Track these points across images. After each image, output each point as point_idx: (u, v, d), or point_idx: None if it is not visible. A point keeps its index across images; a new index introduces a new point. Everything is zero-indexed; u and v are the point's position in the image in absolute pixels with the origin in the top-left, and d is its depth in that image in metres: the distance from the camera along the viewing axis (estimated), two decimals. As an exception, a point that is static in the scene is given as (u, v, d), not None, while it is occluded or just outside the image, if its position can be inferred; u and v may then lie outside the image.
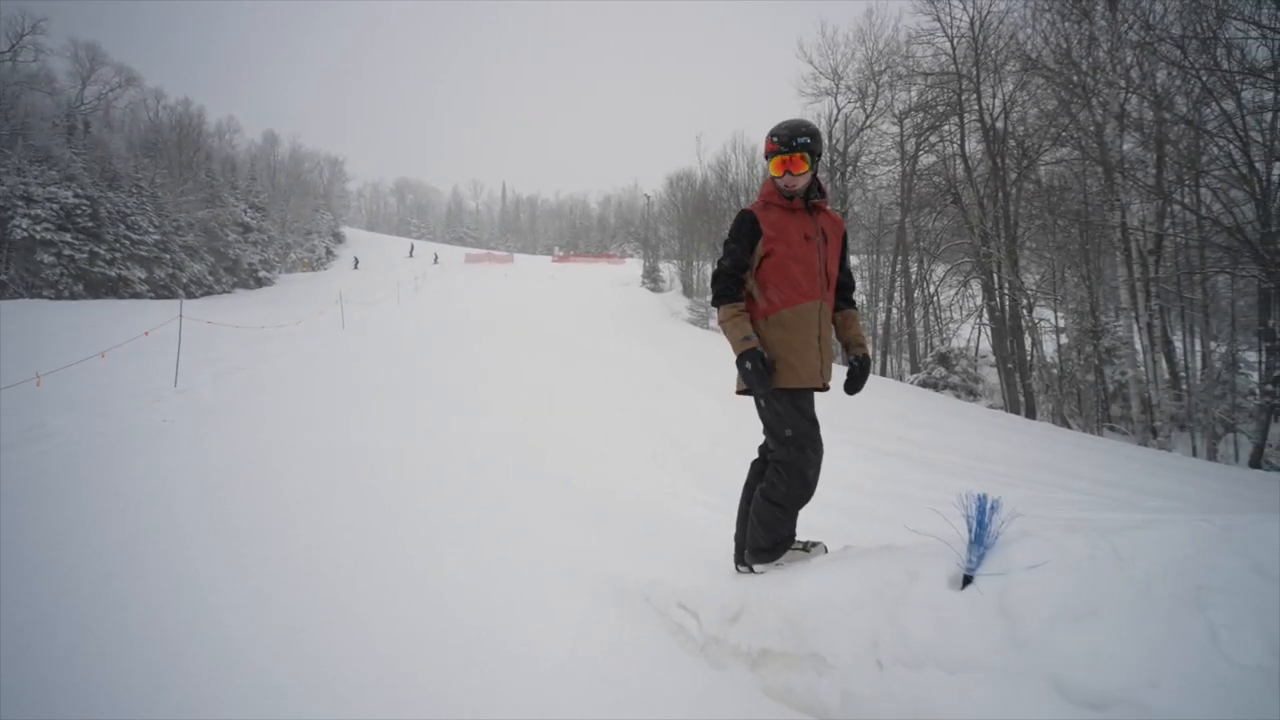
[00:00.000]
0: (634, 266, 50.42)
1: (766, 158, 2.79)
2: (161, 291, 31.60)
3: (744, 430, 3.18)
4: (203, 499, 4.54)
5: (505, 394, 9.62)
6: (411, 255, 57.81)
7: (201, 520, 4.13)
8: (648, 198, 54.10)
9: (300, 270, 49.06)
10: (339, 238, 62.05)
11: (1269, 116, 13.52)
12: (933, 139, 23.23)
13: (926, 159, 23.85)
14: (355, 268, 49.87)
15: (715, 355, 15.02)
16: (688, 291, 39.27)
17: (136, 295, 30.63)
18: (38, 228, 27.86)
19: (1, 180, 27.59)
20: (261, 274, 40.63)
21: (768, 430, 2.72)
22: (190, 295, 32.30)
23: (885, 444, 7.98)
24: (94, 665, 2.52)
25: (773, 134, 2.77)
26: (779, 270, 2.70)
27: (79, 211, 29.33)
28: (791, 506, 2.70)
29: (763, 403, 2.70)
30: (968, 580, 2.06)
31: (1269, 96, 13.35)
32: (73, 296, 28.42)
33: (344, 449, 6.05)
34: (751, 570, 2.75)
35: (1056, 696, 1.66)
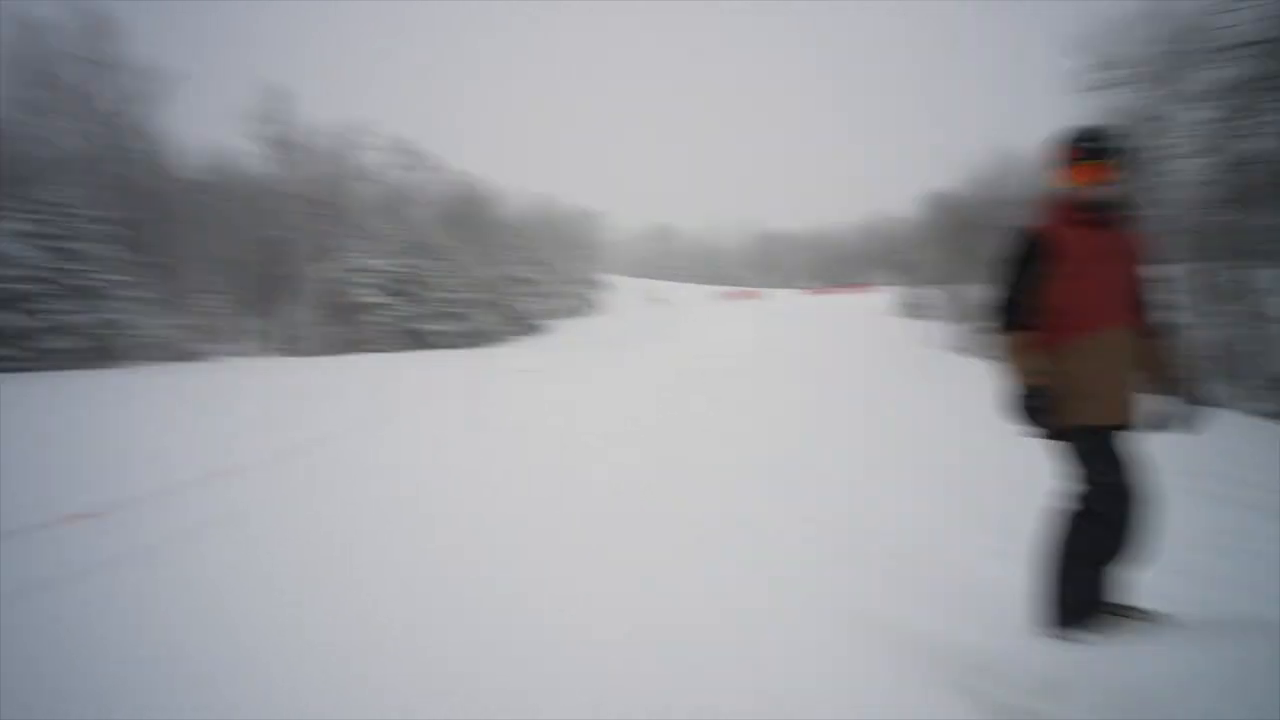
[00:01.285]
0: (889, 294, 48.06)
1: (1066, 164, 2.52)
2: (462, 341, 37.06)
3: (1033, 472, 2.87)
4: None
5: (777, 428, 9.68)
6: (655, 299, 60.60)
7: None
8: (900, 221, 51.50)
9: (565, 316, 54.28)
10: (605, 284, 67.61)
11: None
12: (1248, 120, 19.02)
13: (1244, 144, 19.58)
14: (652, 300, 54.19)
15: (991, 388, 13.69)
16: (951, 318, 36.34)
17: (449, 345, 36.25)
18: (368, 292, 34.53)
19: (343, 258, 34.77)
20: (534, 322, 45.79)
21: (1070, 475, 2.46)
22: (488, 343, 37.49)
23: (1232, 490, 6.59)
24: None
25: (1077, 139, 2.52)
26: (1076, 293, 2.43)
27: (401, 277, 35.82)
28: (1097, 563, 2.40)
29: (1057, 444, 2.47)
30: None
31: None
32: (401, 349, 34.54)
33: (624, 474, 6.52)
34: (1051, 633, 2.45)
35: None
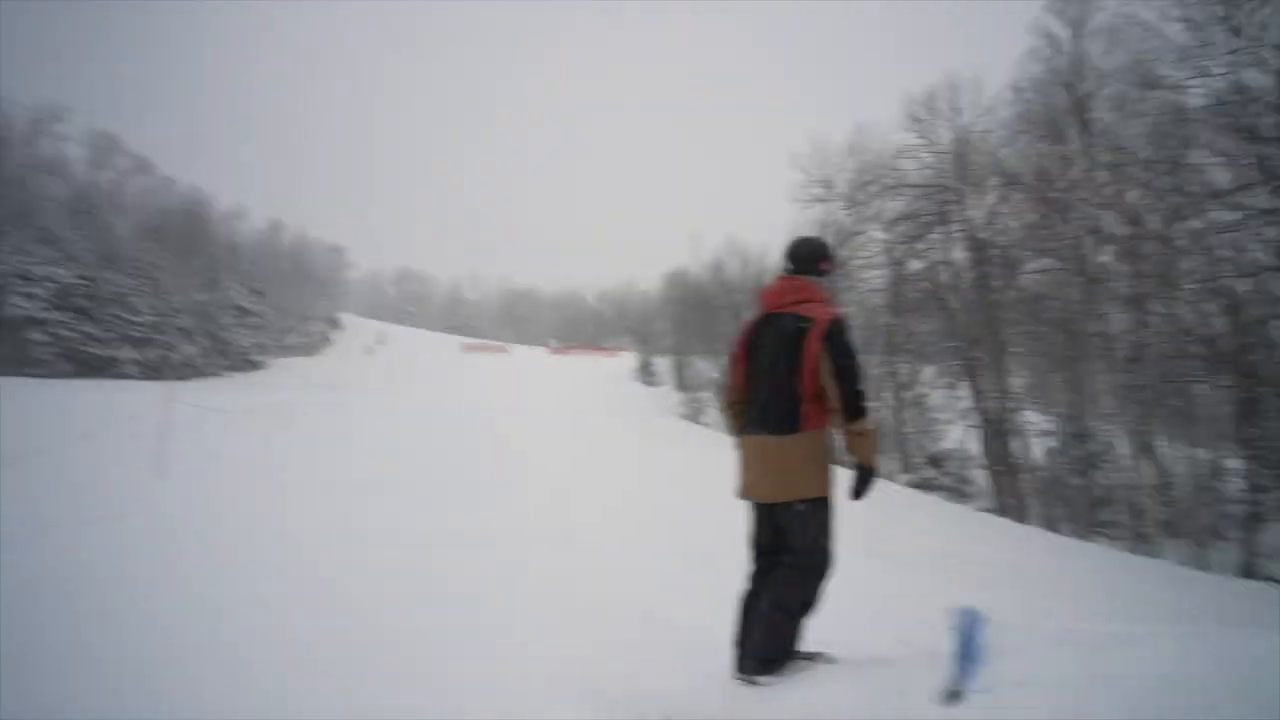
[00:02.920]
0: (628, 360, 50.91)
1: (827, 269, 3.02)
2: (150, 373, 31.61)
3: (738, 531, 3.19)
4: (188, 590, 4.44)
5: (502, 485, 9.53)
6: (380, 343, 57.10)
7: (187, 610, 4.03)
8: (644, 293, 55.41)
9: (296, 355, 49.35)
10: (336, 323, 62.71)
11: (1234, 235, 14.19)
12: (920, 246, 24.13)
13: (914, 264, 24.70)
14: (369, 352, 50.52)
15: (708, 454, 15.00)
16: (681, 387, 39.54)
17: (125, 376, 30.60)
18: (32, 305, 28.15)
19: (1, 259, 28.11)
20: (254, 357, 40.78)
21: (801, 537, 2.71)
22: (180, 377, 32.32)
23: (876, 545, 7.89)
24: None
25: (828, 248, 3.10)
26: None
27: (76, 291, 29.73)
28: (803, 615, 2.70)
29: (800, 506, 2.70)
30: (955, 696, 2.06)
31: (1233, 217, 14.08)
32: (62, 375, 28.38)
33: (340, 537, 5.95)
34: (754, 681, 2.64)
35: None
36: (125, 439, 11.41)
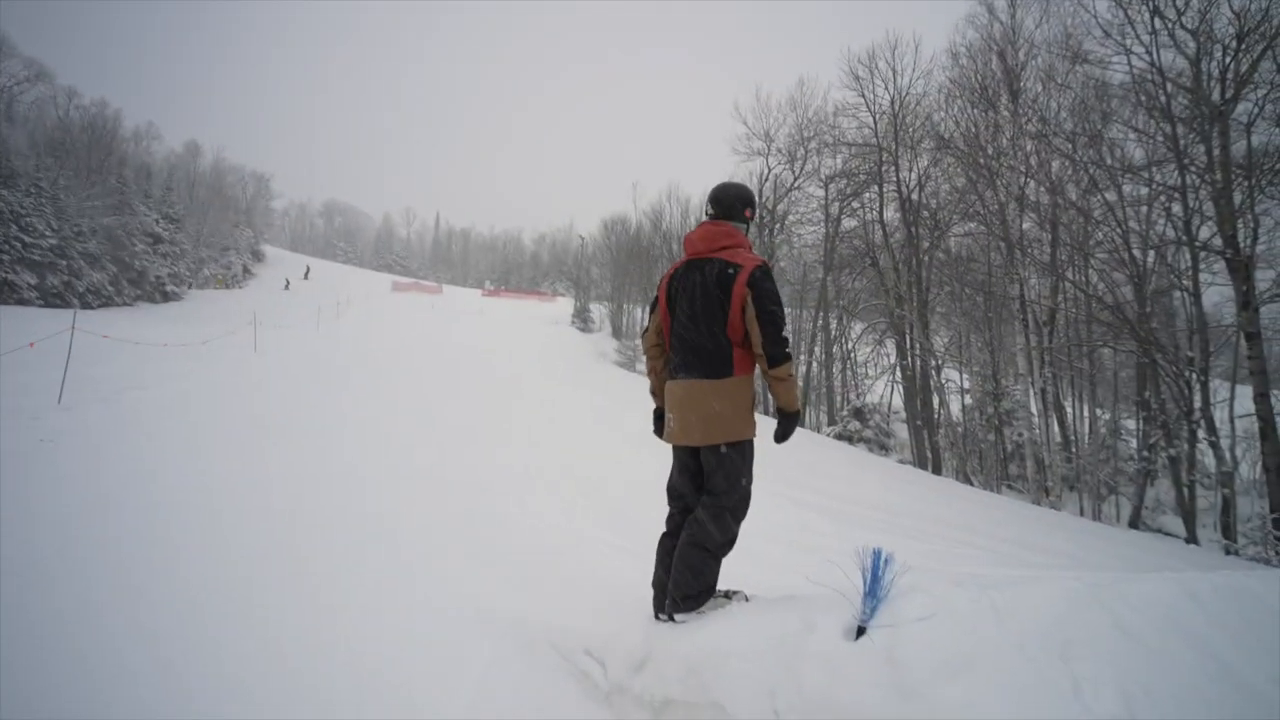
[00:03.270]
0: (565, 305, 50.48)
1: (749, 218, 3.03)
2: (54, 300, 29.51)
3: (660, 476, 3.23)
4: (83, 524, 4.23)
5: (420, 428, 9.39)
6: (306, 277, 54.61)
7: (80, 544, 3.85)
8: (582, 239, 54.67)
9: (214, 286, 46.85)
10: (259, 256, 59.69)
11: (1144, 209, 14.94)
12: (854, 204, 24.52)
13: (848, 222, 25.12)
14: (286, 288, 48.10)
15: (637, 401, 15.11)
16: (617, 334, 39.56)
17: (23, 302, 28.49)
18: (-84, 224, 25.72)
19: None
20: (169, 288, 38.50)
21: (724, 478, 2.74)
22: (87, 306, 30.36)
23: (798, 493, 8.19)
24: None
25: (753, 198, 3.08)
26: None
27: (-33, 209, 27.29)
28: (720, 554, 2.75)
29: (724, 449, 2.74)
30: (861, 631, 2.16)
31: (1144, 191, 14.80)
32: (-50, 299, 26.20)
33: (239, 479, 5.76)
34: (673, 619, 2.71)
35: (935, 745, 1.75)
36: (23, 365, 10.70)
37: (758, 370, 2.82)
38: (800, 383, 27.43)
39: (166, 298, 38.06)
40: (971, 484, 17.78)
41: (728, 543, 2.76)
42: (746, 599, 2.78)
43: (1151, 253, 14.96)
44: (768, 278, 2.75)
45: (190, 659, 2.71)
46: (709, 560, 2.72)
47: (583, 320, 43.03)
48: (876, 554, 2.28)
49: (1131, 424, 17.37)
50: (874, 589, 2.22)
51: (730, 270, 2.76)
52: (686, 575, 2.69)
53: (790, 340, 2.84)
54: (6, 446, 6.18)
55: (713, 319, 2.77)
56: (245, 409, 9.56)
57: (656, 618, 2.82)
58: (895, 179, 21.88)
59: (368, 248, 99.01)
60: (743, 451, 2.78)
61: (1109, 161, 14.92)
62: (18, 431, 6.94)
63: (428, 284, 66.68)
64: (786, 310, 3.05)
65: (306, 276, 52.61)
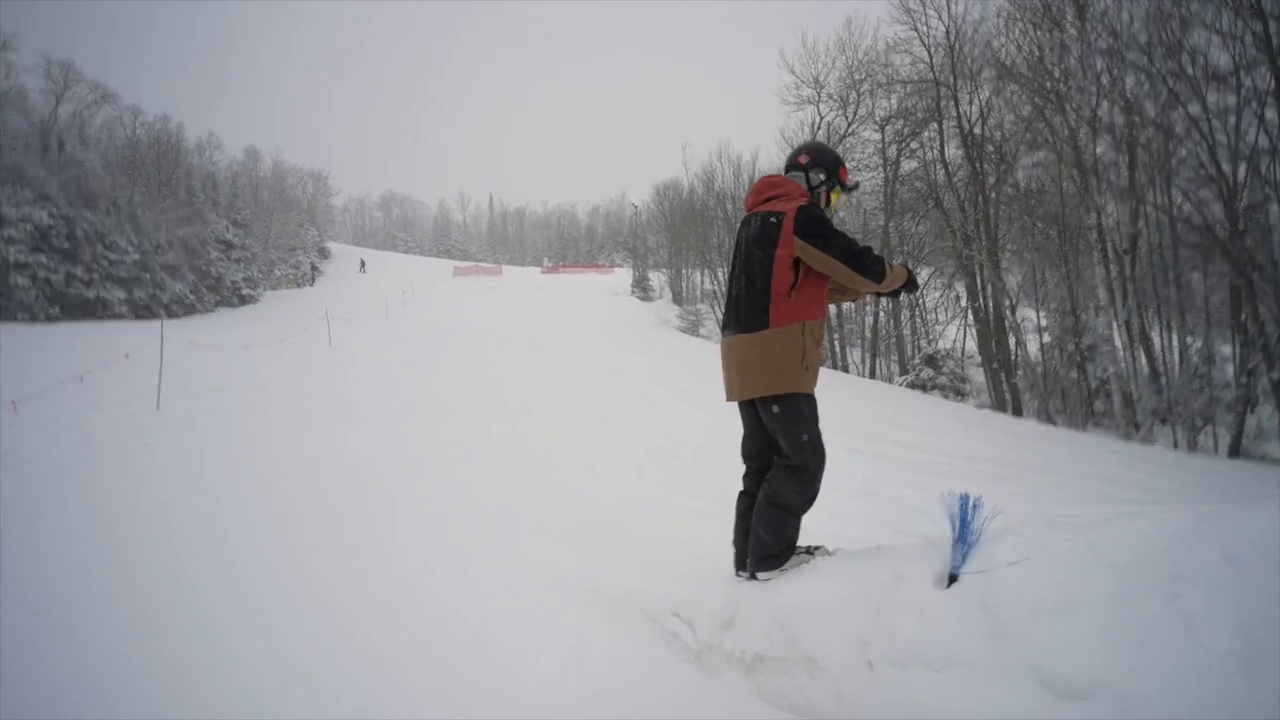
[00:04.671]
0: (623, 276, 50.45)
1: (840, 185, 2.98)
2: (142, 312, 31.28)
3: (730, 438, 3.22)
4: (190, 512, 4.53)
5: (489, 406, 9.62)
6: (363, 270, 55.96)
7: (192, 532, 4.13)
8: (635, 207, 54.38)
9: (285, 286, 48.79)
10: (324, 253, 61.71)
11: (1232, 119, 13.81)
12: (913, 145, 23.52)
13: (908, 164, 24.15)
14: (362, 270, 50.11)
15: (702, 365, 15.08)
16: (677, 300, 39.38)
17: (116, 317, 30.30)
18: (11, 249, 27.52)
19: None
20: (245, 292, 40.32)
21: (786, 434, 2.69)
22: (172, 315, 32.05)
23: (874, 446, 8.05)
24: (84, 674, 2.52)
25: (837, 158, 3.01)
26: (822, 282, 2.75)
27: (54, 232, 29.04)
28: (800, 512, 2.72)
29: (776, 409, 2.68)
30: (953, 579, 2.12)
31: (1231, 100, 13.67)
32: (49, 319, 28.06)
33: (329, 460, 6.05)
34: (754, 578, 2.70)
35: (1039, 689, 1.71)
36: (122, 378, 11.43)
37: (808, 326, 2.71)
38: (868, 334, 26.82)
39: (244, 301, 39.83)
40: (1055, 425, 17.11)
41: (806, 501, 2.72)
42: (830, 553, 2.76)
43: (1242, 165, 13.85)
44: (811, 215, 2.67)
45: (323, 616, 2.88)
46: (788, 519, 2.69)
47: (642, 289, 42.98)
48: (964, 499, 2.23)
49: (1226, 349, 16.30)
50: (964, 535, 2.17)
51: (773, 219, 2.70)
52: (766, 535, 2.67)
53: (872, 251, 2.74)
54: (117, 447, 6.65)
55: (754, 272, 2.72)
56: (323, 398, 9.99)
57: (737, 574, 2.84)
58: (955, 114, 20.84)
59: (426, 236, 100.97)
60: (793, 409, 2.68)
61: (1190, 71, 13.81)
62: (125, 434, 7.44)
63: (487, 266, 67.71)
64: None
65: (363, 269, 54.16)
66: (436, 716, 2.28)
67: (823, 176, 2.91)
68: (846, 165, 3.02)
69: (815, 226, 2.65)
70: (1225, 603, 1.79)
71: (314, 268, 56.05)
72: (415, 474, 5.73)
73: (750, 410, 2.86)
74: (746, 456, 2.96)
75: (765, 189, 2.88)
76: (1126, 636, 1.74)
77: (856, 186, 3.17)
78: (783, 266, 2.66)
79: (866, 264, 2.68)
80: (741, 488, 2.96)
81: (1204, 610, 1.78)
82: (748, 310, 2.73)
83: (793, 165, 2.94)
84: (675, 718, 2.27)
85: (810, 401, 2.74)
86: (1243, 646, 1.65)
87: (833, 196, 2.96)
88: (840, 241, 2.66)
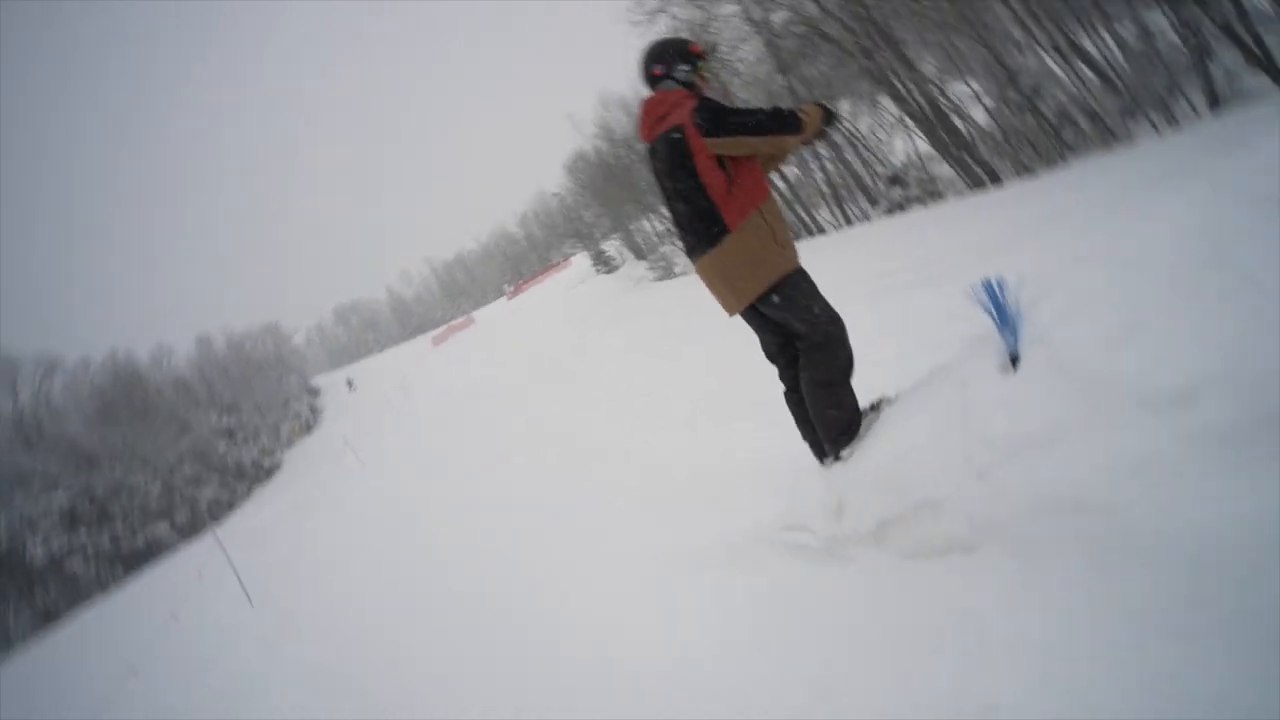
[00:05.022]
0: (582, 260, 50.18)
1: (701, 60, 2.87)
2: (190, 531, 31.72)
3: (741, 371, 3.22)
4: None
5: (531, 437, 9.65)
6: (352, 389, 55.65)
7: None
8: (556, 195, 53.77)
9: (297, 438, 49.08)
10: (314, 391, 61.91)
11: None
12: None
13: (778, 16, 23.52)
14: (351, 389, 50.19)
15: (686, 299, 15.00)
16: (639, 255, 39.15)
17: (170, 547, 30.73)
18: (54, 544, 27.98)
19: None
20: (266, 463, 40.64)
21: (797, 316, 2.64)
22: (216, 518, 32.43)
23: (876, 284, 7.99)
24: None
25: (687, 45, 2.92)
26: (752, 163, 2.70)
27: (78, 507, 29.46)
28: (846, 379, 2.68)
29: (776, 298, 2.62)
30: (1015, 360, 2.08)
31: None
32: (118, 581, 28.54)
33: (439, 531, 6.12)
34: (839, 458, 2.67)
35: (1144, 411, 1.66)
36: (208, 595, 11.61)
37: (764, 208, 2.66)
38: (825, 188, 26.50)
39: (269, 473, 40.17)
40: (1034, 173, 16.89)
41: (846, 367, 2.67)
42: (892, 400, 2.73)
43: None
44: (708, 108, 2.60)
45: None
46: (839, 391, 2.66)
47: (604, 264, 42.77)
48: (988, 285, 2.18)
49: (1160, 19, 15.89)
50: (1004, 318, 2.13)
51: (675, 135, 2.63)
52: (828, 415, 2.65)
53: (784, 107, 2.68)
54: (235, 675, 6.78)
55: (686, 190, 2.65)
56: (390, 498, 10.11)
57: (822, 464, 2.82)
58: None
59: (392, 325, 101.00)
60: (791, 289, 2.64)
61: None
62: (238, 641, 7.59)
63: (457, 322, 67.67)
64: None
65: (351, 388, 54.08)
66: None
67: (685, 67, 2.83)
68: (692, 40, 2.94)
69: (716, 118, 2.58)
70: (1274, 241, 1.74)
71: (312, 409, 56.27)
72: (512, 502, 5.85)
73: (754, 315, 2.80)
74: (772, 358, 2.93)
75: (653, 112, 2.81)
76: (1201, 325, 1.69)
77: (714, 47, 3.10)
78: (708, 170, 2.60)
79: (779, 123, 2.62)
80: (784, 388, 2.93)
81: (1260, 261, 1.73)
82: (702, 226, 2.67)
83: (654, 80, 2.85)
84: (844, 614, 2.26)
85: (803, 274, 2.70)
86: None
87: (705, 75, 2.87)
88: (744, 118, 2.60)
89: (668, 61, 2.84)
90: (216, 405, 43.62)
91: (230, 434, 40.90)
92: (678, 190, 2.69)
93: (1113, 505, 1.60)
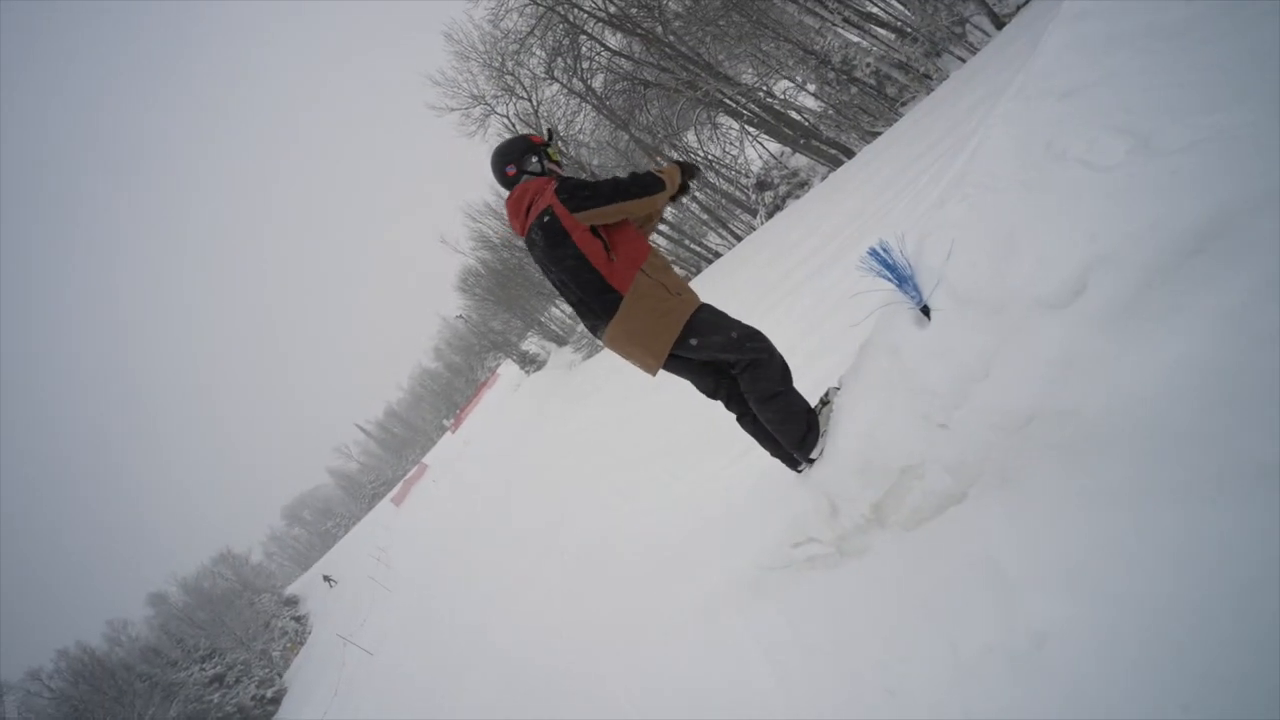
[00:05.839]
0: (510, 368, 50.00)
1: (547, 148, 3.01)
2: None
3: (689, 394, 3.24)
4: None
5: (519, 542, 9.40)
6: (331, 583, 53.05)
7: None
8: (460, 316, 53.75)
9: (292, 654, 46.16)
10: (293, 603, 58.72)
11: None
12: (584, 65, 23.95)
13: (598, 80, 24.57)
14: (330, 584, 47.45)
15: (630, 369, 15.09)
16: (559, 341, 39.36)
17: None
18: None
19: None
20: (268, 695, 37.94)
21: (719, 346, 2.66)
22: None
23: (783, 284, 8.25)
24: None
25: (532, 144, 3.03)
26: (625, 228, 2.78)
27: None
28: (788, 384, 2.72)
29: (694, 340, 2.63)
30: (926, 311, 2.17)
31: None
32: None
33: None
34: (810, 462, 2.70)
35: (1051, 312, 1.73)
36: None
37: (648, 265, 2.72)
38: (703, 215, 27.41)
39: (276, 703, 37.49)
40: (880, 133, 17.95)
41: (784, 375, 2.72)
42: (838, 388, 2.79)
43: None
44: (567, 185, 2.71)
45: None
46: (787, 399, 2.70)
47: (531, 363, 42.78)
48: (874, 252, 2.28)
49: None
50: (900, 276, 2.23)
51: (546, 219, 2.71)
52: (786, 424, 2.68)
53: (641, 170, 2.81)
54: None
55: (572, 269, 2.69)
56: (406, 678, 9.54)
57: (797, 472, 2.84)
58: (582, 12, 21.32)
59: (348, 504, 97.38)
60: (702, 326, 2.66)
61: None
62: None
63: (410, 476, 65.55)
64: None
65: (330, 583, 51.43)
66: None
67: (534, 158, 2.96)
68: (534, 131, 3.08)
69: (580, 193, 2.68)
70: (1086, 118, 1.90)
71: (296, 619, 53.25)
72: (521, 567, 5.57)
73: (678, 364, 2.83)
74: (711, 394, 2.96)
75: (520, 204, 2.87)
76: (1062, 216, 1.81)
77: (554, 131, 3.24)
78: (586, 242, 2.66)
79: (640, 184, 2.73)
80: (733, 412, 2.97)
81: (1083, 144, 1.88)
82: (596, 300, 2.70)
83: (510, 181, 2.96)
84: (875, 609, 2.25)
85: (708, 308, 2.74)
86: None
87: (555, 159, 3.00)
88: (607, 188, 2.70)
89: (516, 160, 2.95)
90: (194, 657, 40.73)
91: (220, 680, 38.18)
92: (563, 269, 2.72)
93: (1060, 407, 1.67)
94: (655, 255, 2.77)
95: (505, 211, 2.95)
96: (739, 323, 2.74)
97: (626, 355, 2.80)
